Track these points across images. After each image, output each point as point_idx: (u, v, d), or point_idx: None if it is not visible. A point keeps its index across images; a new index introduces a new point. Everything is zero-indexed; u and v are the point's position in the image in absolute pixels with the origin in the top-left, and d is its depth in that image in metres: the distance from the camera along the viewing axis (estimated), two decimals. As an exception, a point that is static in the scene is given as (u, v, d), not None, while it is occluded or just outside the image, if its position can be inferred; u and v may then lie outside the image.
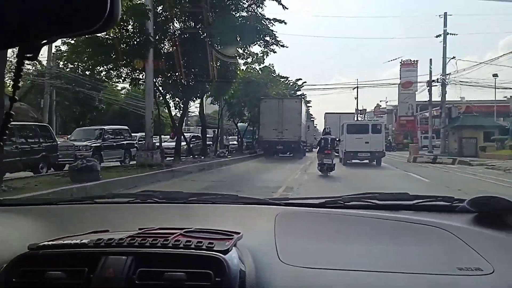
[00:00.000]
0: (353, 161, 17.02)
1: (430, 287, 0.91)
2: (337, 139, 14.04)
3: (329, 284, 0.92)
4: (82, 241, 0.93)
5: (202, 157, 18.66)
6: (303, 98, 33.23)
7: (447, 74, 28.99)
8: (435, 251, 1.10)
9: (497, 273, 0.94)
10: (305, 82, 37.52)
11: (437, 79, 30.05)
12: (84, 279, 0.86)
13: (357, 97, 56.24)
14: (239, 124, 31.51)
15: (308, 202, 1.59)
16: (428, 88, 31.64)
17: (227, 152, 22.53)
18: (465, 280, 0.92)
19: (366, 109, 62.65)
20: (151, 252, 0.89)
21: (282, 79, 30.40)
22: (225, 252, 0.89)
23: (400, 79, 52.18)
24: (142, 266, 0.87)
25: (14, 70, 0.61)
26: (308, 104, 41.20)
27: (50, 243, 0.95)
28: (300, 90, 37.35)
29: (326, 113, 35.23)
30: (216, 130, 26.16)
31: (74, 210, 1.69)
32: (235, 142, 31.23)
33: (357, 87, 54.08)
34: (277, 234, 1.17)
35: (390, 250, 1.12)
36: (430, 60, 35.99)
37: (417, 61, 53.50)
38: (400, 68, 53.39)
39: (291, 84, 35.38)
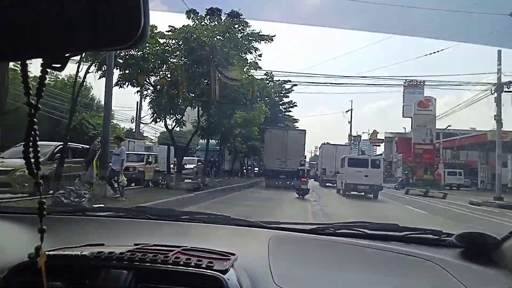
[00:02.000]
0: (352, 192, 18.27)
1: None
2: (309, 169, 16.54)
3: None
4: (82, 253, 0.94)
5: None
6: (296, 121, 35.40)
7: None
8: (424, 283, 1.14)
9: None
10: (295, 85, 33.63)
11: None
12: None
13: (350, 121, 50.73)
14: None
15: (300, 228, 1.62)
16: (495, 94, 20.09)
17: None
18: None
19: (361, 136, 56.71)
20: (152, 268, 0.91)
21: (267, 79, 25.55)
22: (225, 272, 0.92)
23: (404, 102, 46.16)
24: (141, 281, 0.89)
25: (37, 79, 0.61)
26: (296, 124, 39.30)
27: (50, 253, 0.94)
28: (288, 97, 35.29)
29: (322, 144, 36.08)
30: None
31: (66, 221, 1.69)
32: (191, 166, 23.11)
33: (351, 110, 49.40)
34: (270, 257, 1.20)
35: (378, 280, 1.15)
36: (499, 52, 20.63)
37: (423, 82, 45.15)
38: (404, 90, 46.08)
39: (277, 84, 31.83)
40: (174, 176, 16.91)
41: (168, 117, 15.78)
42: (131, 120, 30.73)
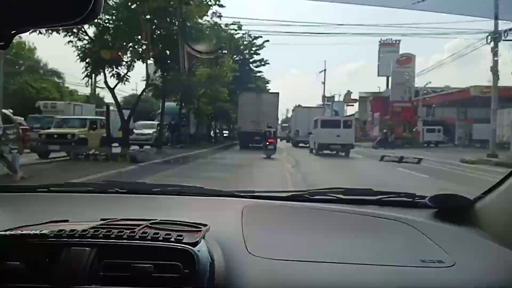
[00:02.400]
0: (325, 151, 19.88)
1: (395, 278, 0.98)
2: (275, 130, 18.85)
3: (295, 274, 0.98)
4: (42, 232, 0.93)
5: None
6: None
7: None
8: (399, 244, 1.18)
9: (457, 265, 1.03)
10: (266, 40, 32.36)
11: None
12: (45, 271, 0.87)
13: (324, 82, 51.58)
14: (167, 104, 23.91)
15: (275, 195, 1.66)
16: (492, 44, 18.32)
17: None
18: (428, 272, 1.00)
19: (334, 96, 55.96)
20: (117, 244, 0.91)
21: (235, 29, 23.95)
22: (194, 244, 0.93)
23: (379, 61, 46.82)
24: (107, 258, 0.89)
25: None
26: (267, 85, 38.76)
27: (7, 232, 0.94)
28: (259, 54, 33.26)
29: (295, 106, 37.43)
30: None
31: (29, 199, 1.65)
32: (149, 132, 20.53)
33: (325, 70, 50.30)
34: (244, 226, 1.22)
35: (355, 243, 1.19)
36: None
37: (399, 41, 45.83)
38: (379, 48, 47.34)
39: (246, 36, 30.68)
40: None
41: (107, 71, 13.19)
42: (86, 84, 27.49)
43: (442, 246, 1.12)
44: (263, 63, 34.80)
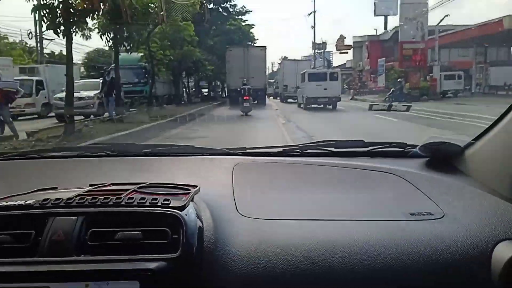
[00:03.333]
0: (313, 105, 22.15)
1: (385, 233, 1.08)
2: (250, 88, 20.00)
3: (287, 234, 1.06)
4: (26, 202, 1.00)
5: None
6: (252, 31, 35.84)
7: None
8: (389, 197, 1.31)
9: (447, 217, 1.14)
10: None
11: None
12: (31, 242, 0.93)
13: (314, 26, 50.02)
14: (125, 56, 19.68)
15: (266, 151, 1.79)
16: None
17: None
18: (416, 225, 1.11)
19: (325, 43, 54.52)
20: (103, 212, 0.98)
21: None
22: (182, 208, 1.00)
23: None
24: (94, 227, 0.96)
25: None
26: (255, 39, 39.25)
27: None
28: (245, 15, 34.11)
29: (283, 60, 38.84)
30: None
31: (18, 165, 1.76)
32: (90, 95, 17.21)
33: (314, 12, 48.82)
34: (235, 185, 1.32)
35: (346, 198, 1.32)
36: None
37: None
38: None
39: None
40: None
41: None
42: (29, 35, 25.85)
43: (432, 198, 1.24)
44: (244, 10, 34.39)
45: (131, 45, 17.37)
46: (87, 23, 12.73)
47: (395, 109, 21.32)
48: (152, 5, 15.22)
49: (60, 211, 0.97)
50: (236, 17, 34.22)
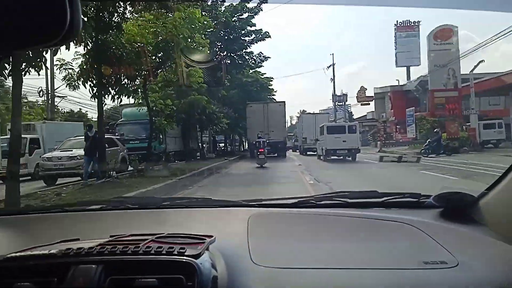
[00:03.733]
0: (332, 157, 23.66)
1: (398, 282, 1.15)
2: (267, 140, 22.56)
3: (301, 283, 1.12)
4: (50, 251, 1.10)
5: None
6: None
7: None
8: (403, 247, 1.38)
9: (461, 265, 1.19)
10: (264, 1, 28.83)
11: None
12: None
13: (333, 78, 50.13)
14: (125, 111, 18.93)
15: (281, 203, 1.90)
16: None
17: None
18: (430, 273, 1.17)
19: (346, 94, 55.26)
20: (122, 260, 1.07)
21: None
22: (197, 256, 1.08)
23: (396, 48, 45.90)
24: (113, 274, 1.05)
25: None
26: (274, 92, 41.25)
27: (17, 254, 1.11)
28: (253, 24, 29.38)
29: (302, 113, 42.54)
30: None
31: (43, 219, 1.89)
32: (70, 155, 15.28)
33: (333, 64, 49.26)
34: (250, 235, 1.41)
35: (360, 247, 1.38)
36: None
37: (418, 22, 44.50)
38: (395, 33, 46.61)
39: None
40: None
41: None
42: (39, 93, 26.66)
43: (446, 247, 1.31)
44: (260, 36, 29.79)
45: (120, 93, 14.49)
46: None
47: (405, 160, 21.00)
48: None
49: (81, 259, 1.06)
50: (253, 69, 33.99)
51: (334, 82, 50.53)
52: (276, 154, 29.03)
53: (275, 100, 38.04)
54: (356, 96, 53.49)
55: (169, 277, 1.03)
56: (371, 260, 1.25)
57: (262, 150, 20.39)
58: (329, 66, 49.66)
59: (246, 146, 41.74)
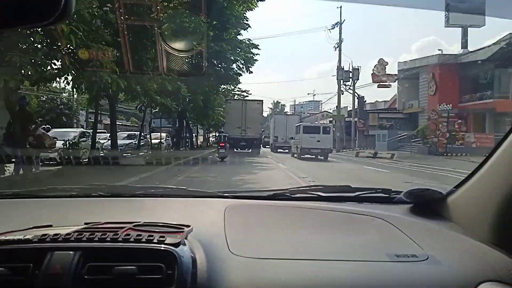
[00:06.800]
0: (306, 155, 24.59)
1: (370, 274, 1.18)
2: (226, 135, 24.39)
3: (275, 272, 1.15)
4: (25, 237, 1.07)
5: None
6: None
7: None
8: (375, 240, 1.42)
9: (430, 259, 1.24)
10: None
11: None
12: (29, 275, 0.99)
13: (340, 45, 38.36)
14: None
15: (257, 195, 1.93)
16: None
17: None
18: (401, 266, 1.21)
19: (359, 68, 39.02)
20: (100, 247, 1.05)
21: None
22: (177, 245, 1.09)
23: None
24: (91, 261, 1.03)
25: None
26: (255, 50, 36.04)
27: None
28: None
29: (274, 114, 44.81)
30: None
31: (13, 204, 1.83)
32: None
33: (340, 23, 37.95)
34: (227, 226, 1.42)
35: (333, 240, 1.42)
36: None
37: None
38: None
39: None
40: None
41: None
42: None
43: (416, 241, 1.35)
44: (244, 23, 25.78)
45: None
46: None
47: (380, 156, 22.92)
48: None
49: (58, 245, 1.04)
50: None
51: (340, 49, 37.60)
52: (250, 150, 30.23)
53: (253, 99, 40.71)
54: (372, 74, 37.43)
55: (149, 265, 1.03)
56: (343, 252, 1.29)
57: (223, 144, 21.37)
58: (333, 27, 37.22)
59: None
